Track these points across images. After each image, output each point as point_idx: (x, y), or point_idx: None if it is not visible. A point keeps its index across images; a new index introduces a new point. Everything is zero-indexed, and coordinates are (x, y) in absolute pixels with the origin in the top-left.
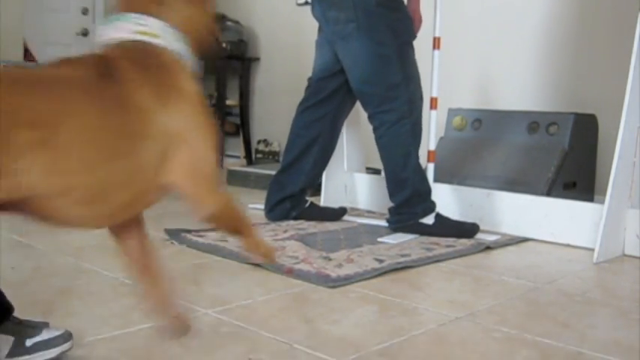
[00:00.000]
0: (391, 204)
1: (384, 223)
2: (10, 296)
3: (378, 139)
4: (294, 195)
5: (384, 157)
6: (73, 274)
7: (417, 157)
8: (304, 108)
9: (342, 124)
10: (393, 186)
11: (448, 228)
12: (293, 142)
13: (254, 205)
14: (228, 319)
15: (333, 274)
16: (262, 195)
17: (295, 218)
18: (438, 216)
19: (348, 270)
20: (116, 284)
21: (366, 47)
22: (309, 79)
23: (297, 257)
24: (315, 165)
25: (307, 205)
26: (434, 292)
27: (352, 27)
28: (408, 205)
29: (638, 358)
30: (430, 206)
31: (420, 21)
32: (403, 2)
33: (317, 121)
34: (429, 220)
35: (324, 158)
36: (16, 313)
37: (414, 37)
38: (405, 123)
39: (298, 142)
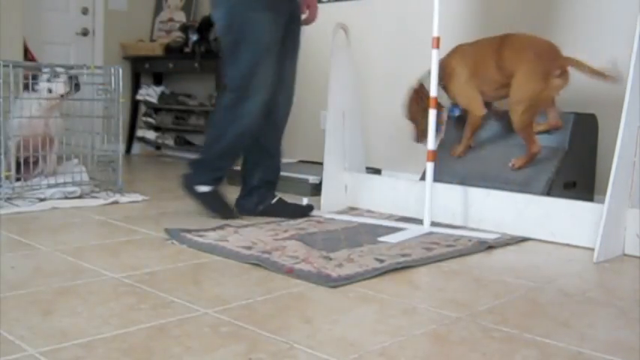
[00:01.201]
0: None
1: (384, 222)
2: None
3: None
4: (255, 187)
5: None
6: (73, 274)
7: (233, 147)
8: None
9: (271, 118)
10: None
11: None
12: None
13: None
14: (228, 319)
15: (334, 274)
16: None
17: (262, 213)
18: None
19: (348, 270)
20: (116, 284)
21: (227, 43)
22: None
23: (297, 257)
24: (254, 158)
25: (275, 200)
26: (434, 292)
27: (221, 25)
28: (194, 167)
29: (638, 358)
30: (210, 179)
31: (314, 12)
32: (269, 3)
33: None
34: (204, 188)
35: (255, 151)
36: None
37: (275, 40)
38: (227, 111)
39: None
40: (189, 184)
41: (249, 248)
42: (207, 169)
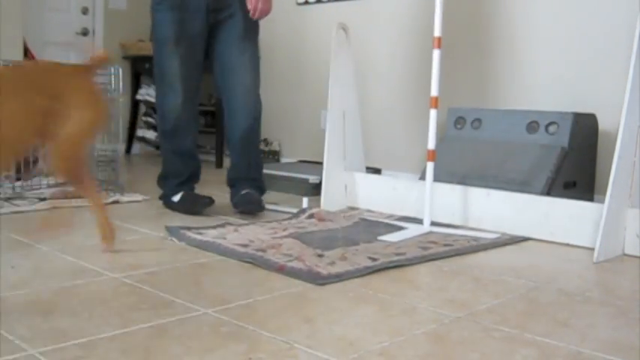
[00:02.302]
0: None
1: (385, 221)
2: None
3: None
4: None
5: None
6: (73, 274)
7: (170, 149)
8: None
9: (232, 115)
10: None
11: (185, 205)
12: None
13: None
14: (228, 318)
15: (324, 272)
16: (263, 195)
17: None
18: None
19: (339, 268)
20: (116, 284)
21: None
22: None
23: (291, 255)
24: (233, 159)
25: (244, 192)
26: (434, 291)
27: None
28: (160, 184)
29: (638, 358)
30: (174, 186)
31: (257, 8)
32: (173, 3)
33: None
34: (176, 197)
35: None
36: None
37: (182, 38)
38: (159, 113)
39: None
40: (166, 201)
41: (245, 246)
42: (168, 178)
